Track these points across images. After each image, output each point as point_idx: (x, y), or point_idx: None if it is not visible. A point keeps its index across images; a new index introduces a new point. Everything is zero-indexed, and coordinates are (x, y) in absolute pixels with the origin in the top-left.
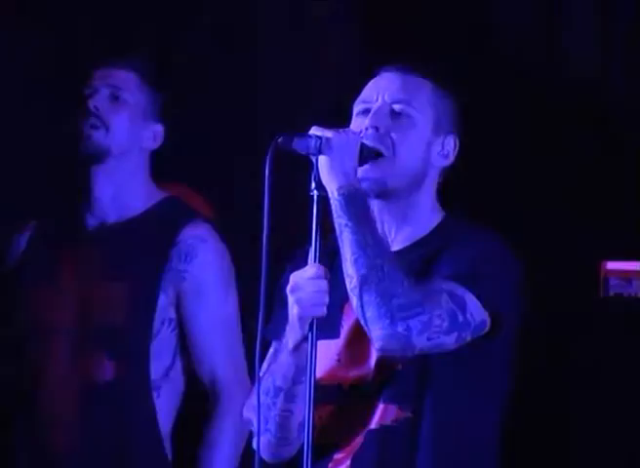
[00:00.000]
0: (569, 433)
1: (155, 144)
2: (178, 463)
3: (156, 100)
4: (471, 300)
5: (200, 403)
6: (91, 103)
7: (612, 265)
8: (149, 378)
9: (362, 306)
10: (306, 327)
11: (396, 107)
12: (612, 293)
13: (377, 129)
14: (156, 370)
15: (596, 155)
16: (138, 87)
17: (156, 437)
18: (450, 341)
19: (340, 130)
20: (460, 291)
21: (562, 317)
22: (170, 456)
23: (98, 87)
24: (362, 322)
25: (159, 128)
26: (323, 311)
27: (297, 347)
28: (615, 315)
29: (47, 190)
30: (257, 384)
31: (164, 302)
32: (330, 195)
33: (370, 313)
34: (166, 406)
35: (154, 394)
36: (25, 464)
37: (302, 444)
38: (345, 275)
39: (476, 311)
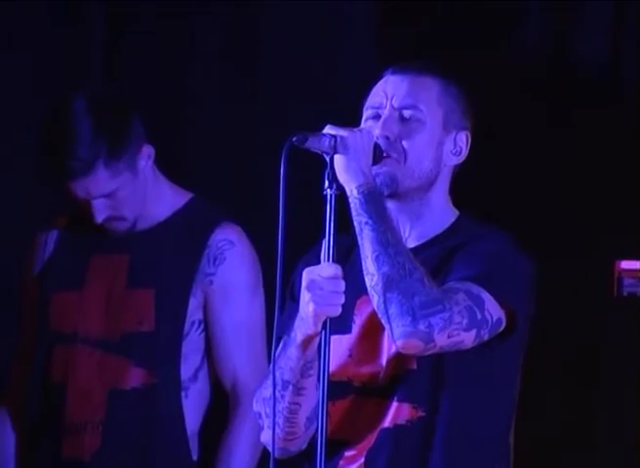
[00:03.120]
0: (582, 433)
1: (151, 160)
2: (205, 464)
3: (133, 146)
4: (488, 298)
5: (225, 406)
6: (97, 219)
7: (626, 265)
8: (179, 380)
9: (383, 304)
10: (320, 324)
11: (405, 113)
12: (625, 293)
13: (387, 138)
14: (185, 370)
15: (610, 153)
16: (113, 173)
17: (181, 436)
18: (469, 339)
19: (355, 129)
20: (475, 289)
21: (576, 317)
22: (195, 456)
23: (88, 199)
24: (383, 320)
25: (147, 148)
26: (338, 311)
27: (305, 341)
28: (629, 314)
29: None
30: (272, 378)
31: (194, 305)
32: (349, 194)
33: (392, 311)
34: (193, 406)
35: (182, 394)
36: None
37: (315, 440)
38: (365, 273)
39: (493, 309)
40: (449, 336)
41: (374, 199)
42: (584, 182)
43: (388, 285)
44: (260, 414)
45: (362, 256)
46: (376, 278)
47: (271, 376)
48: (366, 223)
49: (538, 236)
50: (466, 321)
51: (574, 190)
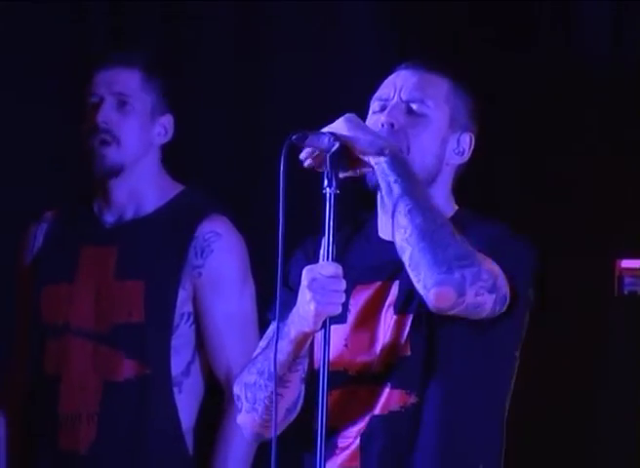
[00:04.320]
0: (580, 431)
1: (167, 137)
2: (200, 458)
3: (163, 93)
4: (499, 270)
5: (220, 399)
6: (99, 118)
7: (626, 263)
8: (170, 374)
9: (418, 253)
10: (319, 323)
11: (412, 105)
12: (626, 292)
13: (392, 125)
14: (177, 365)
15: (611, 152)
16: (143, 87)
17: (176, 432)
18: (489, 303)
19: (342, 117)
20: (490, 260)
21: (576, 315)
22: (191, 451)
23: (103, 95)
24: (414, 272)
25: (168, 119)
26: (339, 309)
27: (299, 338)
28: (629, 313)
29: (63, 187)
30: (274, 369)
31: (183, 297)
32: (374, 162)
33: (426, 259)
34: (187, 401)
35: (175, 389)
36: (47, 464)
37: (314, 430)
38: (397, 228)
39: (502, 282)
40: (476, 294)
41: (399, 160)
42: (586, 181)
43: (422, 235)
44: (238, 397)
45: (392, 213)
46: (409, 230)
47: (273, 368)
48: (395, 182)
49: (538, 234)
50: (491, 282)
51: (575, 188)
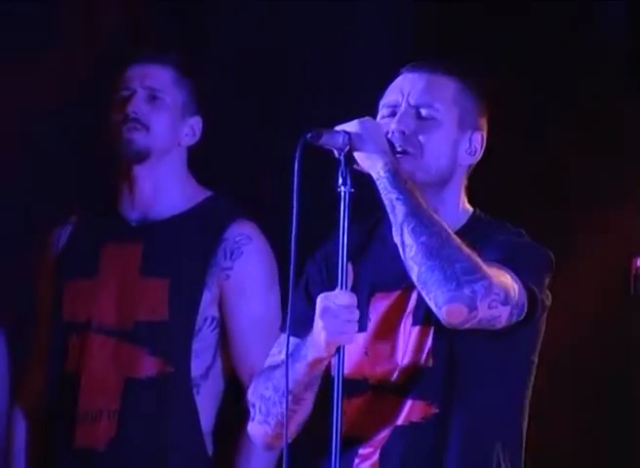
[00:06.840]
0: (598, 434)
1: (194, 139)
2: (224, 460)
3: (193, 94)
4: (515, 280)
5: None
6: (129, 109)
7: None
8: (190, 375)
9: (425, 272)
10: (332, 350)
11: (421, 110)
12: None
13: (403, 133)
14: (196, 368)
15: (625, 150)
16: (175, 84)
17: (197, 433)
18: (504, 315)
19: (358, 119)
20: (504, 269)
21: (592, 314)
22: (210, 453)
23: (135, 88)
24: (424, 291)
25: (197, 121)
26: (351, 340)
27: (315, 362)
28: None
29: (89, 184)
30: (285, 380)
31: (208, 299)
32: (376, 176)
33: (435, 277)
34: (205, 404)
35: (194, 391)
36: (65, 461)
37: (330, 439)
38: (402, 246)
39: (519, 292)
40: (489, 307)
41: (400, 176)
42: (601, 179)
43: (428, 253)
44: (253, 405)
45: (396, 232)
46: (414, 248)
47: (285, 387)
48: (397, 199)
49: (554, 234)
50: (503, 294)
51: (591, 186)
